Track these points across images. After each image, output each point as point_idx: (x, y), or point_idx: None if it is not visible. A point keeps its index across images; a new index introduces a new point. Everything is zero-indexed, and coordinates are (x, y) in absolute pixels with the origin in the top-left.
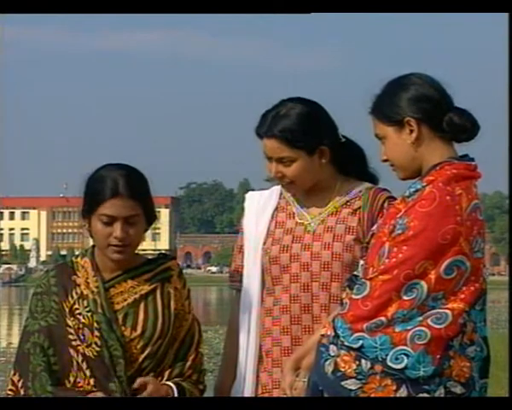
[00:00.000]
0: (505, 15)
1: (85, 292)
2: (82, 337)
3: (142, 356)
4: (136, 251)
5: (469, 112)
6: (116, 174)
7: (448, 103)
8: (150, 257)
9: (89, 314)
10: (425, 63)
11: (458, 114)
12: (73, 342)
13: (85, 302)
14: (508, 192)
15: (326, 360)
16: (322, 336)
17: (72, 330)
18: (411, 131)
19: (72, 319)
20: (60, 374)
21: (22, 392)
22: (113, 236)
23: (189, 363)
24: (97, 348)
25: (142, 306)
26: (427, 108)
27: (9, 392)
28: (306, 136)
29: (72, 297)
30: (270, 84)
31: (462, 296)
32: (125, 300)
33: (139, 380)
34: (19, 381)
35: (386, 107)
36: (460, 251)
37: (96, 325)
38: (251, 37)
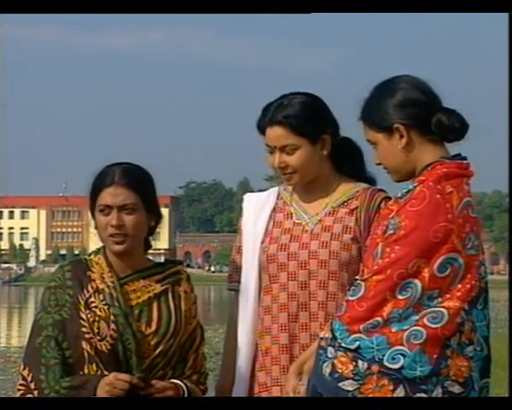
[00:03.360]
0: (505, 15)
1: (101, 286)
2: (96, 331)
3: (155, 353)
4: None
5: (458, 112)
6: (115, 167)
7: (436, 104)
8: (158, 261)
9: (105, 307)
10: (425, 63)
11: (446, 114)
12: (86, 335)
13: (101, 296)
14: (507, 191)
15: (324, 361)
16: (321, 339)
17: (85, 324)
18: (401, 137)
19: (87, 311)
20: (73, 367)
21: (33, 386)
22: (109, 224)
23: (189, 363)
24: (111, 342)
25: (155, 304)
26: (415, 112)
27: (20, 386)
28: (310, 123)
29: (88, 291)
30: (270, 83)
31: (458, 294)
32: (139, 297)
33: (159, 383)
34: (28, 375)
35: (374, 113)
36: (452, 249)
37: (112, 318)
38: (251, 37)
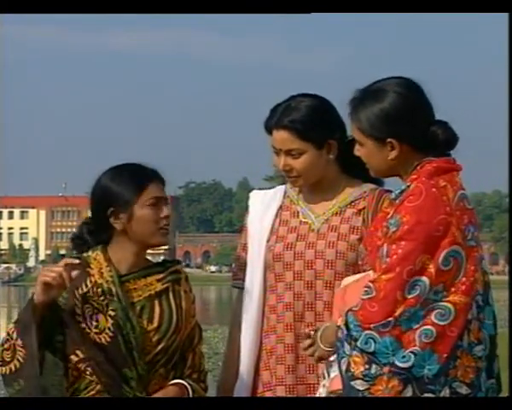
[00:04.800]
0: (505, 15)
1: (99, 281)
2: (95, 323)
3: (156, 350)
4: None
5: (449, 124)
6: (142, 165)
7: (427, 116)
8: (157, 261)
9: (104, 303)
10: (425, 63)
11: (441, 128)
12: (86, 330)
13: (99, 290)
14: (507, 191)
15: (342, 357)
16: (338, 327)
17: (80, 319)
18: (392, 148)
19: (86, 305)
20: (66, 351)
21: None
22: (162, 216)
23: (188, 363)
24: (111, 334)
25: (156, 302)
26: (408, 129)
27: (5, 345)
28: (316, 128)
29: (87, 286)
30: (270, 83)
31: (463, 288)
32: (140, 295)
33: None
34: (13, 332)
35: (365, 119)
36: (454, 241)
37: (111, 312)
38: (251, 37)
